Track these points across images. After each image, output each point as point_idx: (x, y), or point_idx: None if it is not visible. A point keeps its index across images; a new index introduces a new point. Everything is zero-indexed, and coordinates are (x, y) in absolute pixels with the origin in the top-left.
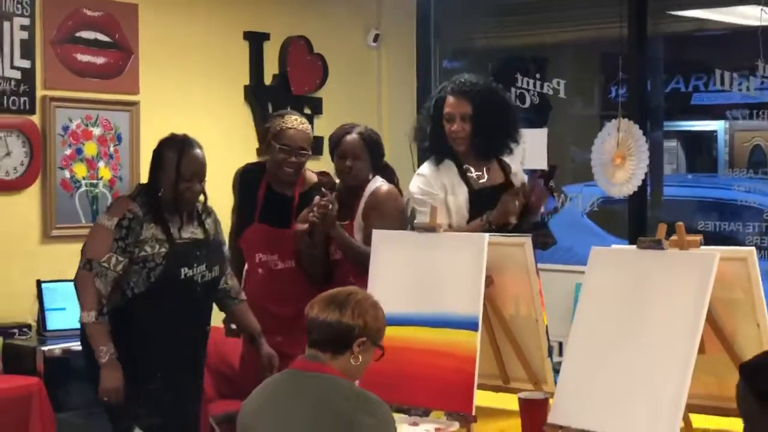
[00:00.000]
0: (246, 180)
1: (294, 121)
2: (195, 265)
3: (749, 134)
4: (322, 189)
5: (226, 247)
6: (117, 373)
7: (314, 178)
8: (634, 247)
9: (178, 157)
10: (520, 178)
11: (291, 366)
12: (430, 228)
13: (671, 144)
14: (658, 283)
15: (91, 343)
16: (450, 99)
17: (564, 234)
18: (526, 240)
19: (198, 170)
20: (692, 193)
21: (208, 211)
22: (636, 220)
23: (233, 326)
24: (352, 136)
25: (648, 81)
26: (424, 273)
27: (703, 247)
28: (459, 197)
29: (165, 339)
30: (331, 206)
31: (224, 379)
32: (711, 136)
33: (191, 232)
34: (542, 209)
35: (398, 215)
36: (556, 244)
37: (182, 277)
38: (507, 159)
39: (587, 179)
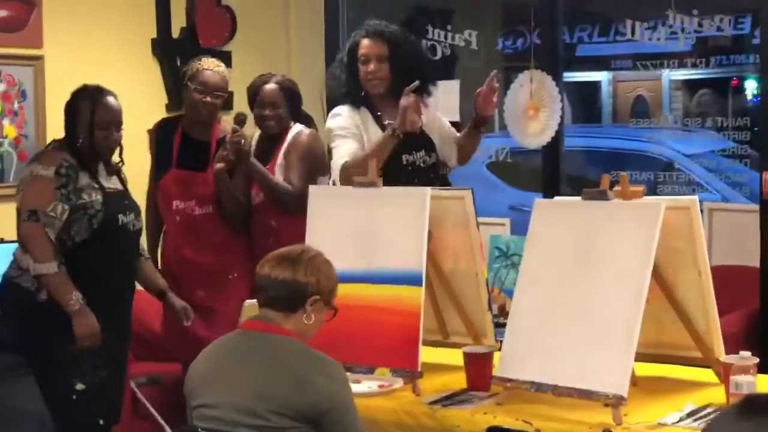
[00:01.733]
0: (161, 132)
1: (211, 62)
2: (127, 212)
3: (632, 85)
4: (234, 126)
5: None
6: (91, 318)
7: (227, 128)
8: (579, 198)
9: (92, 106)
10: (434, 126)
11: (242, 327)
12: (370, 183)
13: None
14: (605, 234)
15: (55, 294)
16: (365, 41)
17: (467, 185)
18: (466, 193)
19: (114, 118)
20: (584, 144)
21: (120, 165)
22: (549, 172)
23: None
24: (271, 86)
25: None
26: (366, 229)
27: (646, 197)
28: (372, 139)
29: (107, 287)
30: (243, 140)
31: (141, 341)
32: (595, 86)
33: (113, 183)
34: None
35: (321, 156)
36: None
37: (120, 223)
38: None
39: (489, 132)
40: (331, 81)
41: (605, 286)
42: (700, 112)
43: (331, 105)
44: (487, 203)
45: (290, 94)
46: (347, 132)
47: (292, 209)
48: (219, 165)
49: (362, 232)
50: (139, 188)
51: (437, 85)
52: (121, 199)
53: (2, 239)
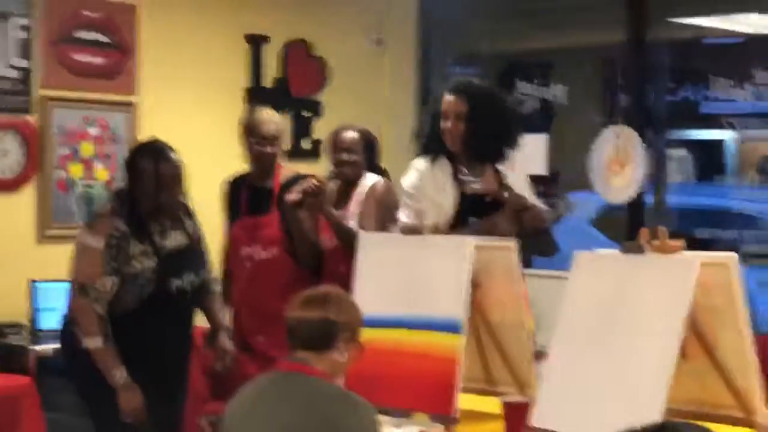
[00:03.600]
0: (231, 190)
1: (265, 114)
2: (184, 274)
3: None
4: (302, 175)
5: (205, 243)
6: (136, 393)
7: (291, 173)
8: (617, 251)
9: (155, 165)
10: (517, 187)
11: (275, 367)
12: (417, 230)
13: (680, 153)
14: (638, 288)
15: (101, 368)
16: (446, 97)
17: (567, 242)
18: (512, 245)
19: (177, 176)
20: (699, 202)
21: (189, 213)
22: (633, 228)
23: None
24: (351, 132)
25: (650, 88)
26: (409, 275)
27: (684, 252)
28: (447, 197)
29: (156, 351)
30: (324, 186)
31: (219, 380)
32: (719, 144)
33: (174, 239)
34: (547, 224)
35: (394, 207)
36: (560, 252)
37: (173, 289)
38: (502, 169)
39: (591, 187)
40: (419, 132)
41: (638, 340)
42: None
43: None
44: None
45: (368, 143)
46: (417, 193)
47: None
48: (291, 197)
49: (406, 279)
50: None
51: (521, 147)
52: (179, 259)
53: None
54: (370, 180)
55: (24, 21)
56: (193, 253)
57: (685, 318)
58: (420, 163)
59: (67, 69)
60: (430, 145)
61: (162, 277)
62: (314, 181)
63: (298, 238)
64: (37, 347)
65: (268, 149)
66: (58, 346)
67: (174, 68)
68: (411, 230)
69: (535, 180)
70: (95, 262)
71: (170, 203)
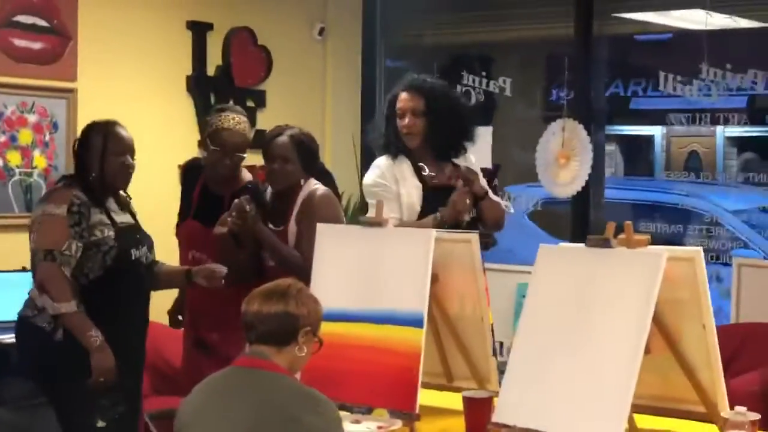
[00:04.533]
0: (187, 177)
1: (231, 120)
2: (140, 246)
3: (686, 140)
4: (248, 186)
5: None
6: (109, 354)
7: (249, 177)
8: (583, 245)
9: (104, 137)
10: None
11: (234, 363)
12: (376, 223)
13: (610, 147)
14: (605, 282)
15: (75, 332)
16: (403, 95)
17: (505, 235)
18: (473, 237)
19: (127, 144)
20: (631, 196)
21: (128, 199)
22: (578, 221)
23: (179, 317)
24: (282, 138)
25: (591, 83)
26: (369, 269)
27: (650, 247)
28: (412, 192)
29: (123, 322)
30: (248, 207)
31: (160, 375)
32: (648, 140)
33: (124, 218)
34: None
35: (334, 220)
36: (497, 245)
37: (133, 258)
38: (460, 162)
39: (529, 180)
40: (373, 132)
41: (604, 335)
42: (747, 169)
43: (371, 155)
44: (527, 251)
45: (303, 148)
46: (382, 190)
47: (302, 279)
48: (221, 230)
49: (365, 272)
50: (168, 220)
51: (476, 141)
52: (133, 233)
53: (24, 268)
54: (309, 188)
55: None
56: (141, 231)
57: (652, 312)
58: (380, 161)
59: (5, 53)
60: (389, 145)
61: (123, 245)
62: (236, 210)
63: (235, 270)
64: None
65: (227, 161)
66: None
67: (115, 54)
68: (372, 223)
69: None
70: (59, 227)
71: (120, 171)
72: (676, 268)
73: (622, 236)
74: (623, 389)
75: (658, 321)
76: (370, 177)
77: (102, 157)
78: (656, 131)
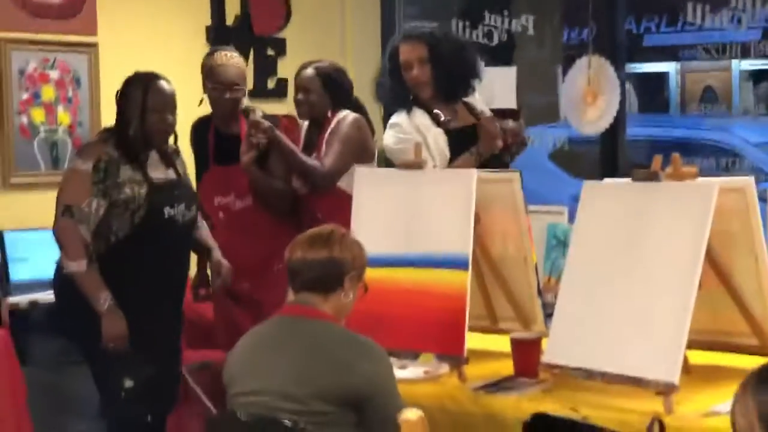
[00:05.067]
0: (196, 133)
1: (223, 57)
2: (176, 204)
3: (701, 75)
4: (251, 118)
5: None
6: (120, 319)
7: (259, 113)
8: (628, 180)
9: (144, 91)
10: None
11: (280, 312)
12: (416, 164)
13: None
14: (655, 216)
15: (85, 293)
16: (404, 47)
17: (527, 176)
18: (515, 176)
19: (168, 101)
20: (650, 133)
21: (177, 152)
22: (608, 160)
23: (202, 292)
24: (308, 70)
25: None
26: (411, 212)
27: (700, 179)
28: (438, 139)
29: (152, 282)
30: (260, 119)
31: (195, 329)
32: (662, 77)
33: (164, 173)
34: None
35: (361, 143)
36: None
37: (166, 216)
38: (470, 100)
39: (548, 121)
40: (379, 89)
41: (656, 270)
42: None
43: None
44: (549, 193)
45: (330, 80)
46: (408, 144)
47: (320, 186)
48: (246, 157)
49: (407, 215)
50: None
51: (482, 79)
52: (170, 190)
53: None
54: (338, 116)
55: None
56: (183, 188)
57: (705, 246)
58: (397, 118)
59: (23, 9)
60: (399, 100)
61: (154, 204)
62: (252, 126)
63: (264, 191)
64: (9, 299)
65: (227, 95)
66: (31, 297)
67: (135, 7)
68: (411, 165)
69: (504, 113)
70: (81, 184)
71: (161, 127)
72: (726, 199)
73: (669, 170)
74: (678, 326)
75: (708, 254)
76: (391, 137)
77: (141, 114)
78: (670, 68)
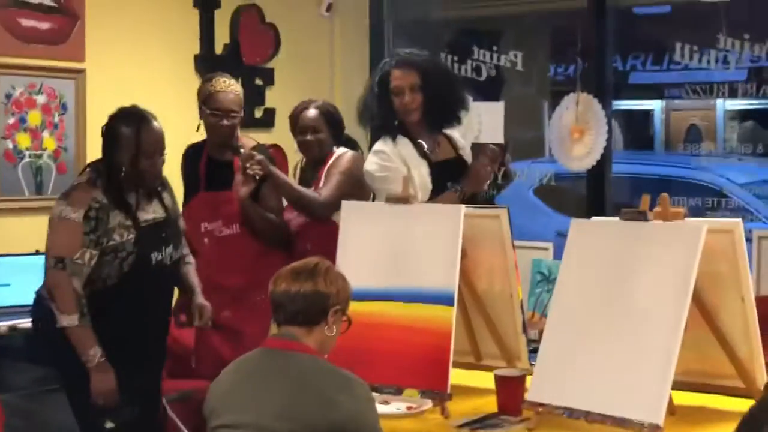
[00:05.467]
0: (188, 159)
1: (222, 83)
2: (163, 247)
3: (686, 114)
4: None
5: (182, 220)
6: (109, 375)
7: (252, 143)
8: (616, 219)
9: (136, 132)
10: (467, 151)
11: (264, 345)
12: (403, 199)
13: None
14: (643, 256)
15: (75, 347)
16: (396, 72)
17: (511, 211)
18: (502, 212)
19: (159, 144)
20: (634, 170)
21: (164, 184)
22: (594, 196)
23: (182, 318)
24: (311, 111)
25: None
26: (397, 246)
27: (688, 219)
28: (422, 171)
29: (138, 326)
30: (257, 157)
31: (176, 359)
32: (647, 114)
33: (153, 212)
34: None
35: (359, 178)
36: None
37: (153, 263)
38: (452, 133)
39: (533, 156)
40: (365, 112)
41: (642, 310)
42: (752, 141)
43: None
44: (533, 228)
45: (331, 118)
46: (391, 173)
47: (317, 216)
48: (243, 190)
49: (393, 249)
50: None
51: (469, 110)
52: (158, 232)
53: (37, 251)
54: (338, 153)
55: None
56: (170, 226)
57: (692, 287)
58: (381, 145)
59: (11, 34)
60: (385, 124)
61: (142, 249)
62: (247, 160)
63: (258, 223)
64: None
65: (224, 122)
66: (11, 323)
67: (123, 34)
68: (398, 199)
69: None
70: (73, 235)
71: (150, 172)
72: (714, 240)
73: (657, 209)
74: (664, 367)
75: (695, 295)
76: (374, 164)
77: (134, 158)
78: (656, 105)
